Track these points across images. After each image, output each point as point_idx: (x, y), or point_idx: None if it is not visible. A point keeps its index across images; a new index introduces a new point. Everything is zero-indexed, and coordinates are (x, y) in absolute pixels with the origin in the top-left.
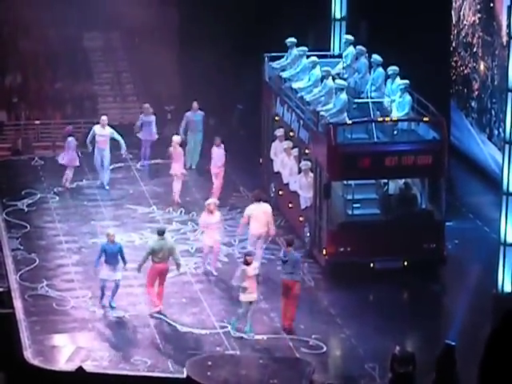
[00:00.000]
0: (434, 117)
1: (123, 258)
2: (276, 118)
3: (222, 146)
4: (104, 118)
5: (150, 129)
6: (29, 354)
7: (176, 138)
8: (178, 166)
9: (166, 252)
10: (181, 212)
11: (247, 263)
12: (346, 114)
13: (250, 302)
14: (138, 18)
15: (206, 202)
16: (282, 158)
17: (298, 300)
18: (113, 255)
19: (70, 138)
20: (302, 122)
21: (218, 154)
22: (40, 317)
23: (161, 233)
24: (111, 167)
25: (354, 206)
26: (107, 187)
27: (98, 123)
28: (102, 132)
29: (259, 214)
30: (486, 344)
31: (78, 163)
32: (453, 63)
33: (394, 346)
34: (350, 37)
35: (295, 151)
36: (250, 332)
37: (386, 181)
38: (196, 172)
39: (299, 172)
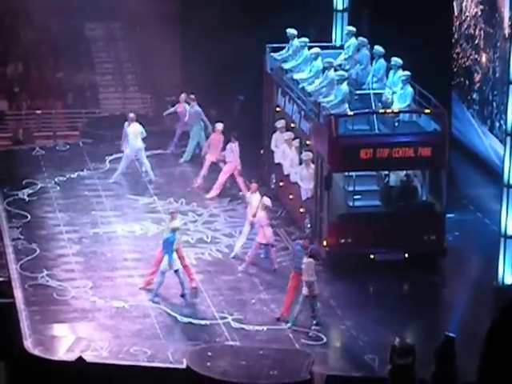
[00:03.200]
0: (435, 108)
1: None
2: (277, 109)
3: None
4: (132, 115)
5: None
6: (29, 344)
7: (218, 125)
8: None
9: None
10: (181, 202)
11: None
12: (347, 106)
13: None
14: (140, 7)
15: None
16: (283, 149)
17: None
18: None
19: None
20: (303, 113)
21: (231, 149)
22: (40, 307)
23: None
24: (113, 157)
25: (355, 197)
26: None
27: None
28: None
29: None
30: (486, 336)
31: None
32: (454, 55)
33: (394, 338)
34: (352, 28)
35: (296, 142)
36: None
37: (386, 172)
38: (198, 162)
39: (300, 163)
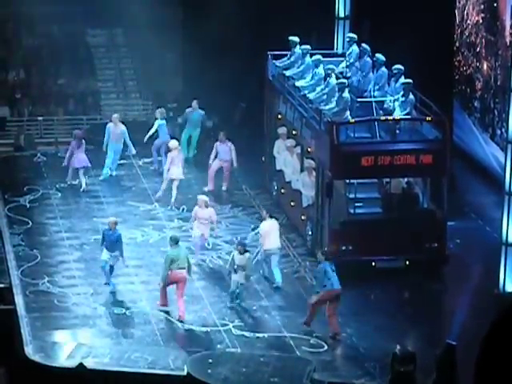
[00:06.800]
0: (436, 116)
1: (121, 250)
2: (279, 116)
3: (227, 142)
4: (115, 115)
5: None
6: (30, 350)
7: (174, 143)
8: (176, 169)
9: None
10: (183, 209)
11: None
12: (348, 113)
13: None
14: (142, 14)
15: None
16: (285, 157)
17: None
18: (111, 242)
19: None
20: (304, 120)
21: (221, 149)
22: (41, 313)
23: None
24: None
25: (356, 204)
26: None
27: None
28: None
29: None
30: (484, 338)
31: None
32: (456, 63)
33: (395, 345)
34: (354, 35)
35: (298, 149)
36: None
37: (388, 180)
38: (197, 169)
39: (302, 170)
